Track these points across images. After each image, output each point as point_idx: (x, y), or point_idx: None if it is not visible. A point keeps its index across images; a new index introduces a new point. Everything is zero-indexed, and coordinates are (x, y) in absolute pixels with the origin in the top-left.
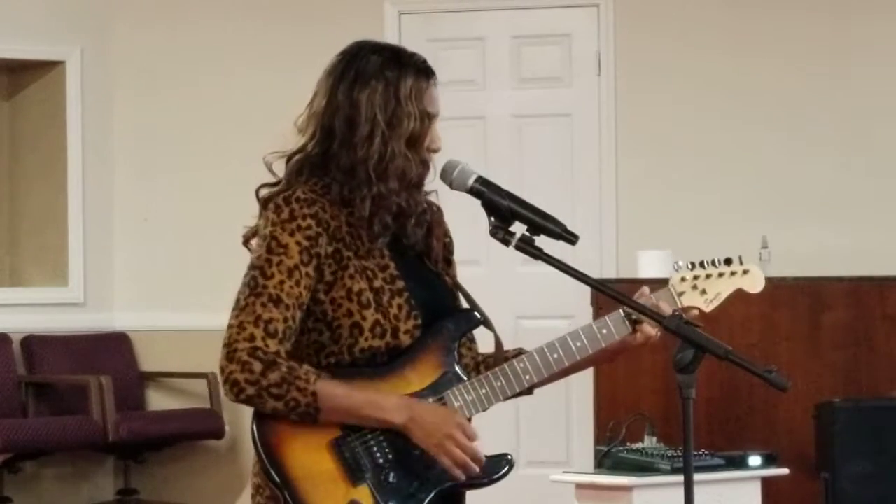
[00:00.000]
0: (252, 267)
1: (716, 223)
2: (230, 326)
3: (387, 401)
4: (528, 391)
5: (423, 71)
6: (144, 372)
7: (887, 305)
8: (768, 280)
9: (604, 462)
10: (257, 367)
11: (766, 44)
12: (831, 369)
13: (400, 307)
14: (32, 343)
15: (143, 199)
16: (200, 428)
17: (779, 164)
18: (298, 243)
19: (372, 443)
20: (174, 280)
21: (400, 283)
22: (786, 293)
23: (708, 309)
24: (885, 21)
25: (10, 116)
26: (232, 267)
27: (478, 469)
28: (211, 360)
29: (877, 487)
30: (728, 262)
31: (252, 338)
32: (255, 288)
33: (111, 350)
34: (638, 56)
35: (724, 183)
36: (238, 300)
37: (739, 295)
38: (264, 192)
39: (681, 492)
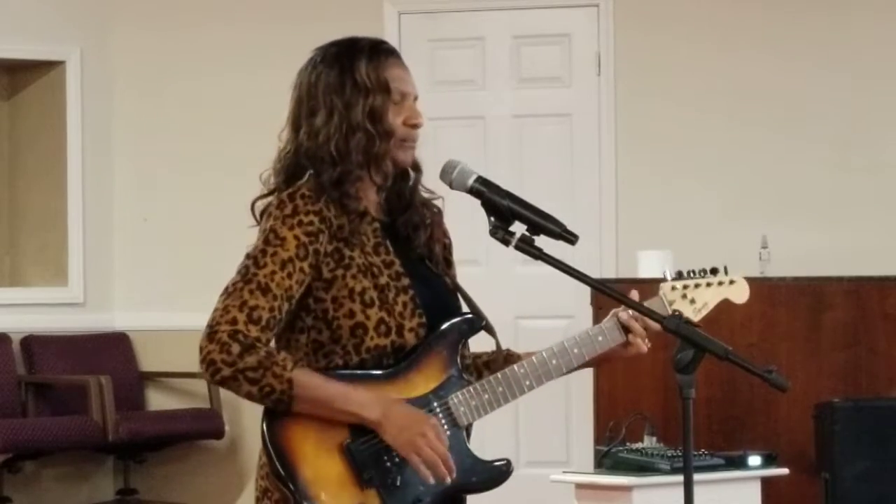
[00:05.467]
0: (246, 257)
1: (715, 223)
2: (215, 310)
3: (362, 396)
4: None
5: (379, 50)
6: (144, 372)
7: (887, 305)
8: (768, 280)
9: (604, 462)
10: (235, 349)
11: (765, 44)
12: (831, 369)
13: (405, 304)
14: (32, 343)
15: (143, 199)
16: (200, 428)
17: (779, 164)
18: (297, 237)
19: (381, 447)
20: (174, 280)
21: (405, 281)
22: (786, 293)
23: (696, 318)
24: (885, 21)
25: (10, 116)
26: (232, 267)
27: (447, 474)
28: None
29: (877, 487)
30: (714, 271)
31: (234, 321)
32: (245, 275)
33: (111, 350)
34: (638, 56)
35: (723, 183)
36: (227, 287)
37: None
38: (260, 204)
39: (681, 492)
